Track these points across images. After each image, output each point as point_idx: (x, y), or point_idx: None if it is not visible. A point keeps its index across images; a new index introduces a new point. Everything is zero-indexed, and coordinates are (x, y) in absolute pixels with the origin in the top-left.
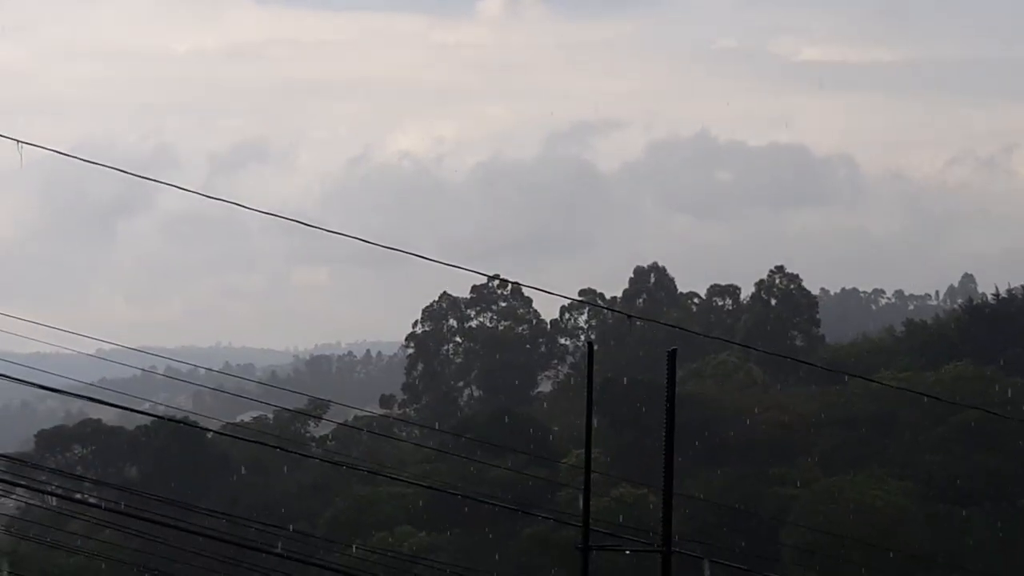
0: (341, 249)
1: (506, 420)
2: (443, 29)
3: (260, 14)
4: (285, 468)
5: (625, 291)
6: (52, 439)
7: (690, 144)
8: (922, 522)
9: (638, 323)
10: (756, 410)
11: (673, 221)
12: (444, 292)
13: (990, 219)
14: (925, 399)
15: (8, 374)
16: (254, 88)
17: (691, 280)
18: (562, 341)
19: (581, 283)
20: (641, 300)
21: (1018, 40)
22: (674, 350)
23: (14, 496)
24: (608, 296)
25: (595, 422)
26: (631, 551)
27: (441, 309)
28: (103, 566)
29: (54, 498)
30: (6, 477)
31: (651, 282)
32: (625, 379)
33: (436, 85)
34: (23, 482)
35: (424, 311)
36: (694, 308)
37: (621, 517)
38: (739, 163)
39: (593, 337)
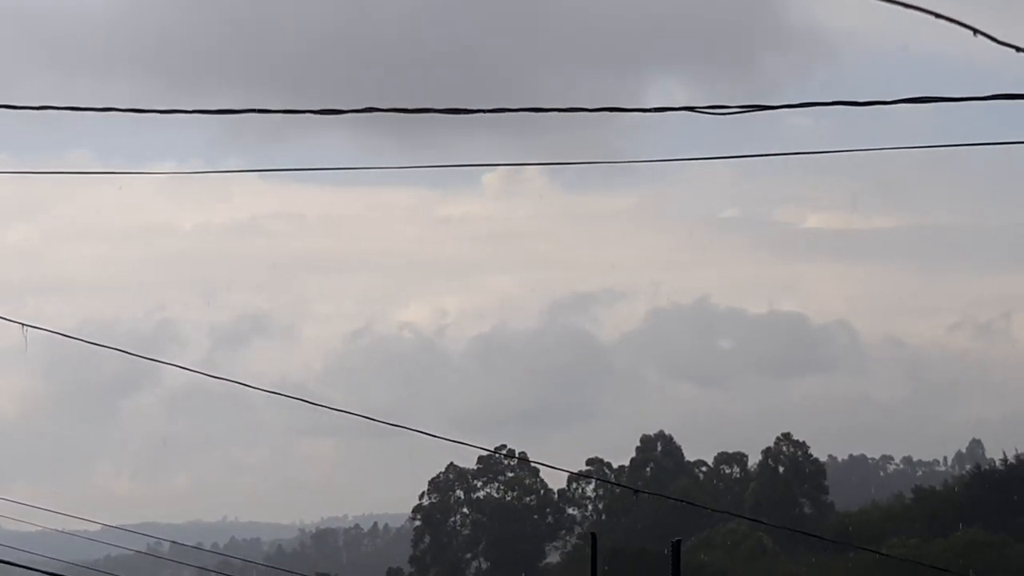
0: (345, 422)
1: None
2: (447, 203)
3: (265, 190)
4: None
5: (632, 460)
6: None
7: (691, 312)
8: None
9: (647, 495)
10: None
11: (676, 389)
12: (451, 463)
13: (993, 385)
14: (935, 568)
15: (11, 558)
16: (257, 263)
17: (698, 447)
18: (570, 511)
19: (588, 452)
20: (648, 468)
21: (1016, 207)
22: (678, 541)
23: None
24: (615, 464)
25: None
26: None
27: (448, 480)
28: None
29: None
30: None
31: (658, 450)
32: (631, 551)
33: (438, 258)
34: None
35: (430, 483)
36: (701, 476)
37: None
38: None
39: (601, 507)
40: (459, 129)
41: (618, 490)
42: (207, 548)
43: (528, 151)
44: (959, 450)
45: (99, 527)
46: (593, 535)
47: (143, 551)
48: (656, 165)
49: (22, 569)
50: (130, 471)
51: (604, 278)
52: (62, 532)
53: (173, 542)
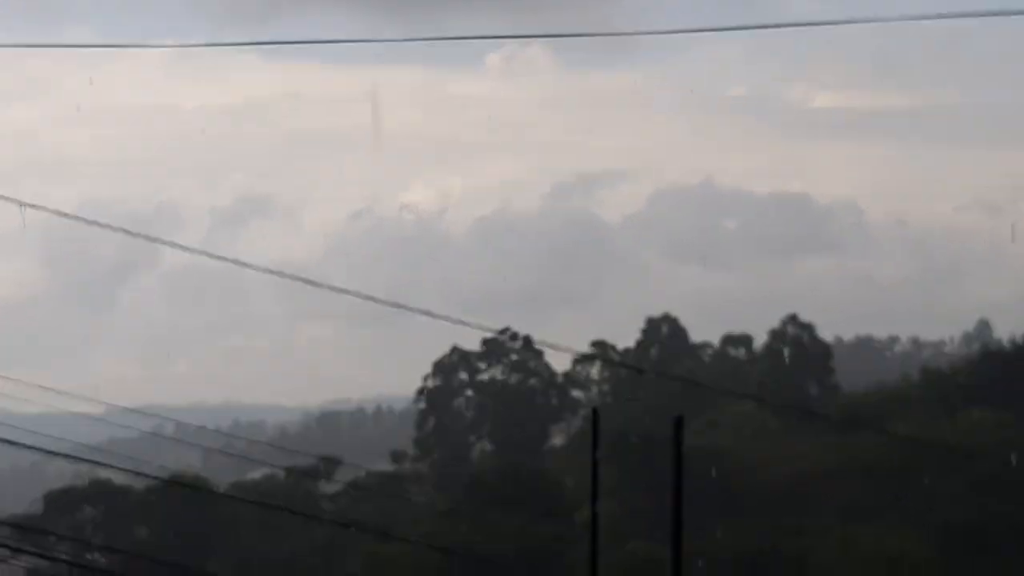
0: (347, 305)
1: (518, 475)
2: (449, 84)
3: (267, 69)
4: (296, 528)
5: (638, 342)
6: (61, 500)
7: (695, 193)
8: (940, 573)
9: (651, 376)
10: (772, 461)
11: (681, 271)
12: (454, 346)
13: (1001, 265)
14: (944, 448)
15: (15, 439)
16: (258, 143)
17: (703, 330)
18: (574, 393)
19: (592, 335)
20: (654, 351)
21: None
22: (680, 417)
23: (23, 562)
24: (620, 347)
25: (607, 476)
26: None
27: (451, 363)
28: None
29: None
30: (14, 543)
31: (663, 332)
32: (636, 435)
33: (441, 139)
34: (32, 548)
35: (434, 365)
36: (707, 358)
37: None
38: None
39: (606, 388)
40: (460, 9)
41: (623, 373)
42: (211, 430)
43: (530, 31)
44: (966, 331)
45: (103, 409)
46: (595, 410)
47: (148, 431)
48: (662, 43)
49: (28, 450)
50: (131, 355)
51: (607, 159)
52: (66, 414)
53: (178, 423)
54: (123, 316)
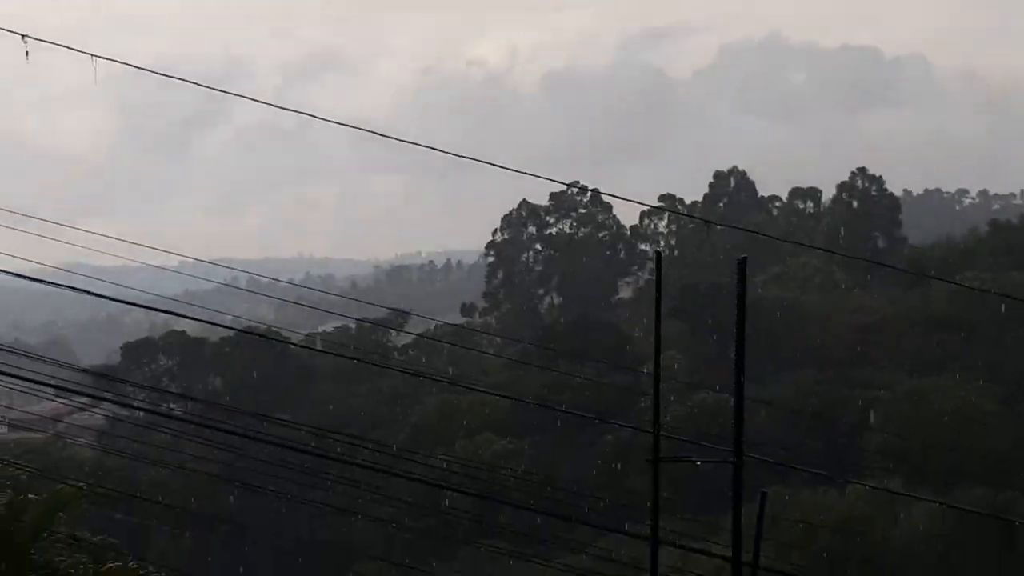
0: (417, 158)
1: (587, 328)
2: None
3: None
4: (367, 379)
5: (705, 196)
6: (138, 351)
7: (763, 46)
8: (1006, 425)
9: (719, 228)
10: (838, 314)
11: (749, 125)
12: (523, 200)
13: None
14: (1009, 300)
15: (93, 289)
16: None
17: (771, 184)
18: (642, 247)
19: (660, 188)
20: (722, 204)
21: None
22: (744, 258)
23: (101, 410)
24: (688, 201)
25: (675, 328)
26: (702, 461)
27: (520, 217)
28: (187, 479)
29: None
30: (93, 390)
31: (731, 186)
32: (703, 285)
33: None
34: (110, 395)
35: (503, 219)
36: (775, 212)
37: (698, 424)
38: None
39: (673, 243)
40: None
41: (690, 226)
42: (283, 283)
43: None
44: None
45: (178, 262)
46: (658, 254)
47: (222, 283)
48: None
49: (105, 301)
50: (204, 208)
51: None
52: (140, 265)
53: (250, 276)
54: (196, 170)
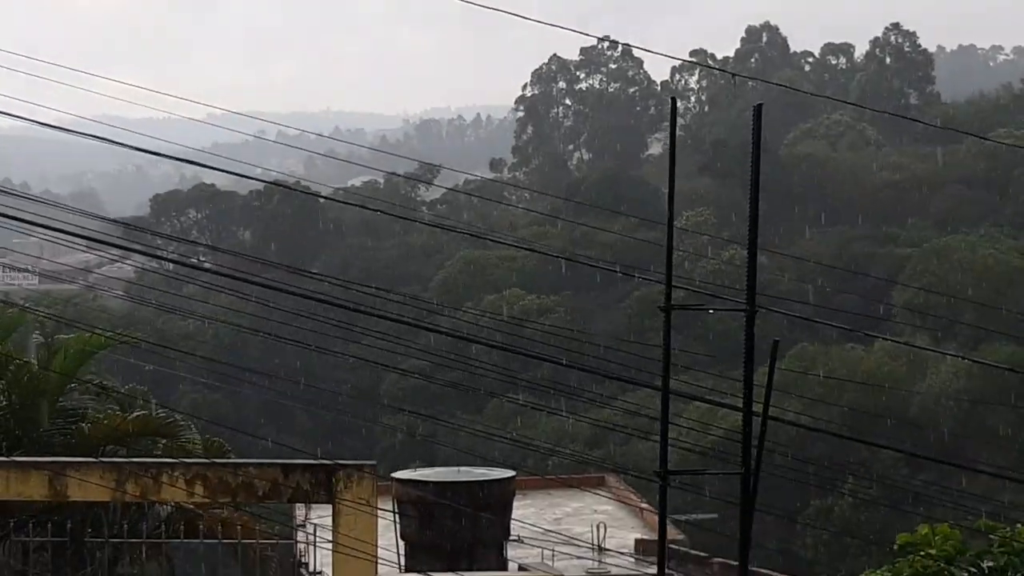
0: (447, 11)
1: (616, 183)
2: None
3: None
4: (396, 233)
5: (737, 51)
6: (167, 203)
7: None
8: None
9: (750, 84)
10: (869, 170)
11: None
12: (553, 54)
13: None
14: None
15: (122, 141)
16: None
17: (803, 39)
18: None
19: (691, 43)
20: (753, 60)
21: None
22: (760, 105)
23: (130, 262)
24: (719, 56)
25: (706, 184)
26: (714, 310)
27: (550, 72)
28: (217, 330)
29: (169, 263)
30: (123, 242)
31: (763, 41)
32: (735, 141)
33: None
34: (139, 247)
35: (533, 74)
36: (807, 68)
37: (727, 279)
38: None
39: (704, 98)
40: None
41: (722, 82)
42: (313, 136)
43: None
44: None
45: (206, 114)
46: (673, 99)
47: (251, 136)
48: None
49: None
50: (232, 60)
51: None
52: (170, 117)
53: (280, 129)
54: (225, 21)
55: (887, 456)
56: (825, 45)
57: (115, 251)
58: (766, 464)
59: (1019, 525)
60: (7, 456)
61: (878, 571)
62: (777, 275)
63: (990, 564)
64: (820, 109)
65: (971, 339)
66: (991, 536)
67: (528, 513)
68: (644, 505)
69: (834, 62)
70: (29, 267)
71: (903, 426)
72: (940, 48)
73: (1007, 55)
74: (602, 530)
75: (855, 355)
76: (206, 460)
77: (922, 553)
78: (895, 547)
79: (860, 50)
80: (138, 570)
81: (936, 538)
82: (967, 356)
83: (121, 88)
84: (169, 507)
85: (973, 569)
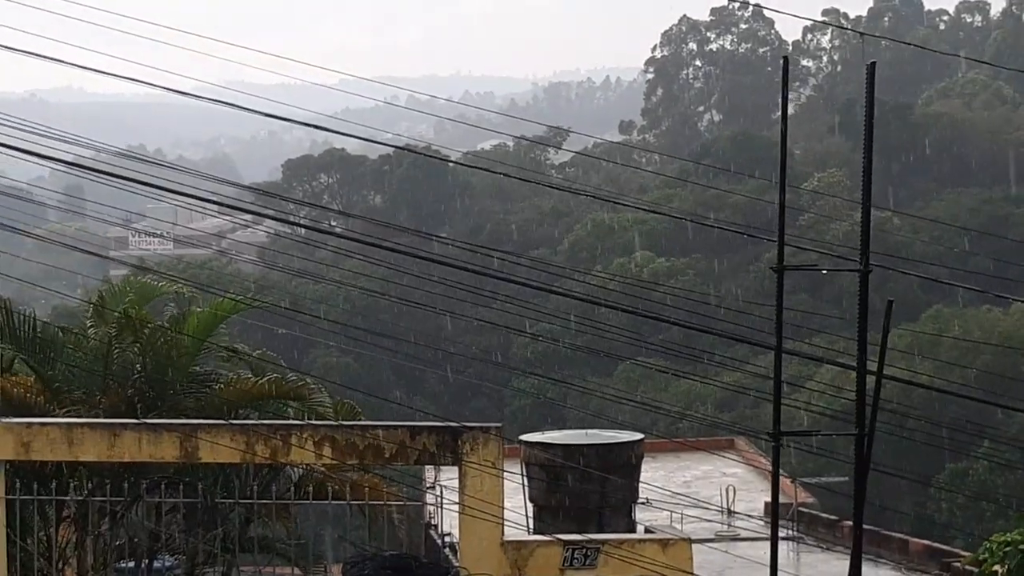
0: None
1: (747, 144)
2: None
3: None
4: (525, 197)
5: (870, 10)
6: (299, 168)
7: None
8: None
9: (883, 43)
10: (1005, 130)
11: None
12: (683, 15)
13: None
14: None
15: (254, 107)
16: None
17: None
18: (804, 63)
19: (824, 3)
20: (887, 19)
21: None
22: (873, 63)
23: (263, 227)
24: (852, 15)
25: (838, 145)
26: (827, 270)
27: (680, 33)
28: (349, 295)
29: (302, 228)
30: (256, 207)
31: (897, 0)
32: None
33: None
34: (272, 212)
35: (663, 35)
36: (942, 26)
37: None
38: None
39: (836, 58)
40: None
41: (855, 41)
42: (443, 100)
43: None
44: None
45: (337, 79)
46: (785, 59)
47: (382, 101)
48: None
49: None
50: (362, 25)
51: None
52: (300, 83)
53: (410, 93)
54: None
55: (1023, 419)
56: (961, 3)
57: (248, 216)
58: (900, 428)
59: None
60: (140, 419)
61: (1011, 534)
62: (911, 236)
63: None
64: (956, 68)
65: None
66: None
67: (657, 476)
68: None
69: (969, 20)
70: (164, 232)
71: None
72: None
73: None
74: (731, 493)
75: (992, 317)
76: (334, 423)
77: None
78: None
79: (997, 8)
80: (269, 531)
81: None
82: None
83: (253, 55)
84: (300, 470)
85: None
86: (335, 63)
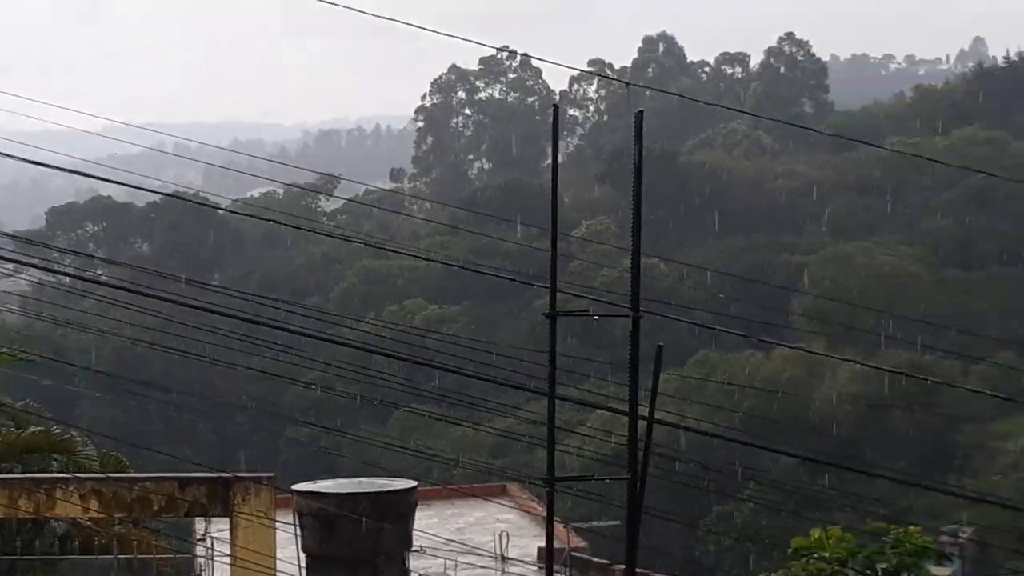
0: (345, 22)
1: (516, 192)
2: None
3: None
4: (296, 244)
5: (634, 60)
6: (63, 216)
7: None
8: (931, 286)
9: (648, 93)
10: (766, 179)
11: None
12: (452, 64)
13: None
14: (935, 164)
15: (15, 153)
16: None
17: (700, 49)
18: (571, 112)
19: (589, 54)
20: (650, 69)
21: None
22: (641, 112)
23: (26, 276)
24: (617, 66)
25: (605, 193)
26: (599, 316)
27: (450, 81)
28: (116, 345)
29: (66, 276)
30: (18, 256)
31: (660, 51)
32: (631, 152)
33: None
34: (35, 261)
35: (432, 84)
36: (704, 77)
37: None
38: None
39: (603, 108)
40: None
41: (619, 92)
42: (211, 147)
43: None
44: (962, 48)
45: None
46: (555, 107)
47: (148, 148)
48: None
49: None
50: (125, 71)
51: None
52: (65, 129)
53: (177, 140)
54: (120, 33)
55: (787, 461)
56: (721, 55)
57: (10, 265)
58: (669, 471)
59: (911, 527)
60: None
61: (774, 575)
62: (677, 283)
63: (883, 566)
64: (718, 118)
65: (868, 344)
66: (884, 538)
67: (431, 523)
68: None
69: (730, 71)
70: None
71: (802, 431)
72: (834, 57)
73: (899, 63)
74: (504, 539)
75: (755, 361)
76: (100, 476)
77: (815, 556)
78: (789, 551)
79: (756, 59)
80: None
81: (829, 541)
82: (864, 362)
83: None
84: (65, 523)
85: (868, 572)
86: (100, 109)
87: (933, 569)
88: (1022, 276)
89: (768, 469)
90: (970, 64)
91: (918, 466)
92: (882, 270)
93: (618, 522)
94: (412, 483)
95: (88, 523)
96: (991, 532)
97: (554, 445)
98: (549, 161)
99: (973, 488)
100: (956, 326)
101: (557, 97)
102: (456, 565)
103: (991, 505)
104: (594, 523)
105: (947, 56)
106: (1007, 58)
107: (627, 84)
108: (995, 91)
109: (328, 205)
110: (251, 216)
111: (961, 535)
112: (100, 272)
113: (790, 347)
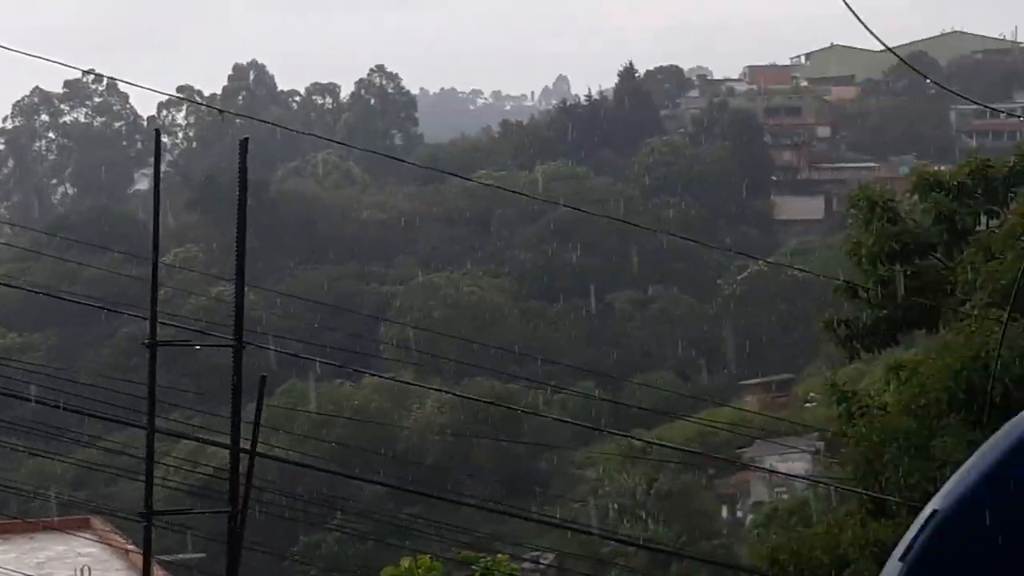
0: None
1: (102, 218)
2: None
3: None
4: None
5: (224, 88)
6: None
7: None
8: (516, 317)
9: (238, 121)
10: (356, 209)
11: (270, 19)
12: (36, 86)
13: (578, 24)
14: (521, 198)
15: None
16: None
17: (291, 78)
18: (162, 139)
19: (178, 80)
20: (241, 97)
21: None
22: (246, 139)
23: None
24: (207, 93)
25: (196, 220)
26: (202, 346)
27: (33, 104)
28: None
29: None
30: None
31: (250, 79)
32: (224, 177)
33: None
34: None
35: (14, 106)
36: (295, 106)
37: (218, 316)
38: None
39: (192, 135)
40: None
41: (210, 119)
42: None
43: None
44: (546, 85)
45: None
46: (156, 131)
47: None
48: None
49: None
50: None
51: None
52: None
53: None
54: None
55: (376, 490)
56: (312, 85)
57: None
58: (256, 501)
59: (499, 555)
60: None
61: None
62: (266, 312)
63: None
64: (308, 148)
65: (455, 374)
66: (472, 567)
67: (10, 559)
68: (130, 547)
69: (320, 101)
70: None
71: (391, 460)
72: (423, 91)
73: (486, 99)
74: (86, 573)
75: (345, 391)
76: None
77: None
78: None
79: (346, 91)
80: None
81: (419, 570)
82: (450, 390)
83: None
84: None
85: None
86: None
87: None
88: (601, 308)
89: (357, 498)
90: (554, 101)
91: (503, 493)
92: (469, 300)
93: (204, 554)
94: None
95: None
96: (571, 557)
97: (152, 477)
98: (137, 187)
99: (555, 515)
100: (539, 355)
101: (145, 123)
102: None
103: (572, 531)
104: (179, 555)
105: (532, 93)
106: (588, 96)
107: (220, 112)
108: (578, 128)
109: None
110: None
111: (543, 561)
112: None
113: (381, 376)
